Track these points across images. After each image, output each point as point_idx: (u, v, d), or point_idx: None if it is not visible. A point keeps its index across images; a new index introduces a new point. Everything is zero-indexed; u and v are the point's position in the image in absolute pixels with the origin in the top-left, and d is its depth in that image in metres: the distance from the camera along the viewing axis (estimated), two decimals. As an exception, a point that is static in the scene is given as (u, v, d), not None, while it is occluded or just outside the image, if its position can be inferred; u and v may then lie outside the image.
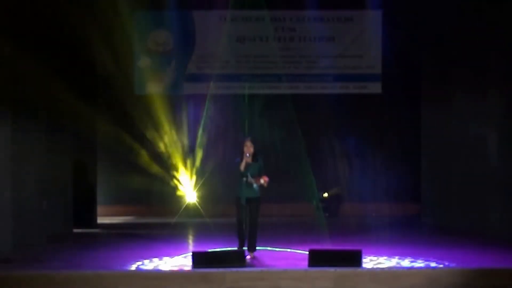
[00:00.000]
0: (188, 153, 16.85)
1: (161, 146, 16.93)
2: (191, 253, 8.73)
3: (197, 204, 16.54)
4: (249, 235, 9.56)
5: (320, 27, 16.99)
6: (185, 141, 16.88)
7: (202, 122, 16.59)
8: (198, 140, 16.67)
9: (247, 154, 9.44)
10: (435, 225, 13.95)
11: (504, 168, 11.89)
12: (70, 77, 12.97)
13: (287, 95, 16.38)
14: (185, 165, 16.86)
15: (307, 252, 8.61)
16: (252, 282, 7.96)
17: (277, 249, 10.44)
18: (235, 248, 9.45)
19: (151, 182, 16.83)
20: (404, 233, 13.21)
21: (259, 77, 16.94)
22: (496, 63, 12.12)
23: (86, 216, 14.13)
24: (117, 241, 12.20)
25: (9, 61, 10.28)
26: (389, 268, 8.58)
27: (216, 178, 16.13)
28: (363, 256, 8.54)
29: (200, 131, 16.61)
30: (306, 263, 8.55)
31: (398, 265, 8.88)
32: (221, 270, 8.03)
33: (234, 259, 8.42)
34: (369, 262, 9.07)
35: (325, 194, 16.36)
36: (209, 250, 9.33)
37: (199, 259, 8.37)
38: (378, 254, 9.74)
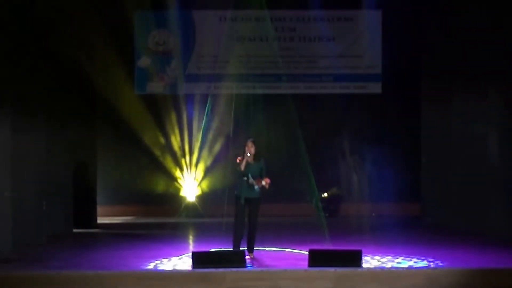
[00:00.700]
0: (188, 153, 16.85)
1: (161, 146, 16.94)
2: (191, 253, 8.72)
3: (196, 204, 16.55)
4: (249, 236, 9.56)
5: (320, 27, 16.98)
6: (185, 141, 16.88)
7: (203, 122, 16.59)
8: (198, 140, 16.67)
9: (248, 154, 9.44)
10: (435, 225, 13.95)
11: (504, 168, 11.89)
12: (70, 77, 13.00)
13: (287, 95, 16.38)
14: (185, 165, 16.87)
15: (307, 252, 8.61)
16: (252, 282, 7.97)
17: (277, 249, 10.43)
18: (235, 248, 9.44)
19: (151, 182, 16.84)
20: (404, 233, 13.20)
21: (259, 77, 16.94)
22: (496, 63, 12.11)
23: (86, 216, 14.12)
24: (117, 241, 12.20)
25: (9, 61, 10.28)
26: (389, 268, 8.58)
27: (216, 178, 16.15)
28: (363, 256, 8.54)
29: (200, 131, 16.61)
30: (306, 263, 8.55)
31: (398, 265, 8.88)
32: (221, 270, 8.03)
33: (234, 259, 8.42)
34: (369, 262, 9.07)
35: (325, 194, 16.35)
36: (211, 250, 9.33)
37: (199, 259, 8.37)
38: (378, 254, 9.74)
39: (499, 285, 7.95)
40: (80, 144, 13.79)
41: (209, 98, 16.54)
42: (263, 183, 9.44)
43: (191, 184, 16.79)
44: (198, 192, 16.77)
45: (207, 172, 16.80)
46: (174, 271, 8.40)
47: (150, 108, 16.86)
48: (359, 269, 8.19)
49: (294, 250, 10.24)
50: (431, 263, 8.93)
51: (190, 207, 16.43)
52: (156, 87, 17.01)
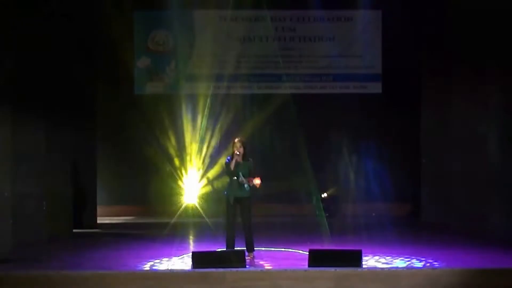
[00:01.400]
0: (188, 153, 16.85)
1: (161, 146, 16.93)
2: (191, 253, 8.72)
3: (197, 204, 16.54)
4: (245, 236, 9.55)
5: (320, 27, 16.99)
6: (185, 141, 16.88)
7: (202, 122, 16.59)
8: (198, 140, 16.67)
9: (237, 153, 9.45)
10: (435, 225, 13.94)
11: (504, 168, 11.88)
12: (70, 77, 12.99)
13: (287, 95, 16.38)
14: (185, 165, 16.86)
15: (307, 252, 8.61)
16: (252, 282, 7.96)
17: (277, 249, 10.43)
18: (236, 249, 9.44)
19: (151, 182, 16.82)
20: (403, 233, 13.21)
21: (259, 77, 16.94)
22: (496, 63, 12.11)
23: (86, 216, 14.13)
24: (117, 241, 12.20)
25: (9, 61, 10.28)
26: (389, 268, 8.58)
27: (217, 177, 16.14)
28: (363, 256, 8.54)
29: (200, 131, 16.62)
30: (306, 263, 8.55)
31: (398, 265, 8.87)
32: (221, 270, 8.03)
33: (234, 259, 8.42)
34: (369, 262, 9.07)
35: (324, 194, 16.35)
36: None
37: (199, 259, 8.37)
38: (378, 254, 9.74)
39: (499, 285, 7.95)
40: (80, 144, 13.78)
41: (208, 98, 16.55)
42: (257, 181, 9.43)
43: (191, 184, 16.79)
44: (198, 192, 16.77)
45: (207, 172, 16.80)
46: (174, 271, 8.40)
47: (150, 108, 16.86)
48: (359, 269, 8.18)
49: (294, 250, 10.24)
50: (431, 263, 8.92)
51: (190, 207, 16.43)
52: (156, 87, 17.02)
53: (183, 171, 16.83)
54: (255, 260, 9.39)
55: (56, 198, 12.42)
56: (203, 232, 13.73)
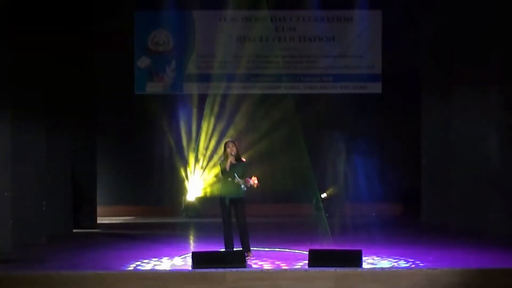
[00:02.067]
0: (188, 153, 16.85)
1: (161, 146, 16.94)
2: (191, 253, 8.72)
3: (197, 204, 16.53)
4: (241, 236, 9.55)
5: (320, 27, 17.00)
6: (185, 141, 16.88)
7: (202, 122, 16.59)
8: (198, 140, 16.67)
9: (232, 153, 9.46)
10: (435, 225, 13.93)
11: (504, 168, 11.88)
12: (70, 77, 12.99)
13: (287, 95, 16.38)
14: (185, 165, 16.86)
15: (307, 252, 8.61)
16: (252, 282, 7.96)
17: (277, 250, 10.43)
18: (236, 249, 9.44)
19: (151, 182, 16.83)
20: (403, 233, 13.21)
21: (259, 77, 16.94)
22: (496, 63, 12.11)
23: (86, 216, 14.12)
24: (117, 241, 12.20)
25: (9, 61, 10.28)
26: (389, 268, 8.58)
27: (217, 177, 16.13)
28: (363, 256, 8.54)
29: (200, 131, 16.62)
30: (306, 263, 8.55)
31: (398, 265, 8.87)
32: (221, 270, 8.03)
33: (234, 259, 8.42)
34: (369, 262, 9.07)
35: (324, 195, 16.35)
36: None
37: (199, 259, 8.37)
38: (378, 254, 9.73)
39: (499, 285, 7.95)
40: (80, 144, 13.78)
41: (208, 98, 16.56)
42: (251, 182, 9.41)
43: (191, 184, 16.78)
44: (198, 192, 16.76)
45: (207, 172, 16.80)
46: (174, 271, 8.40)
47: (150, 108, 16.87)
48: (359, 269, 8.18)
49: (294, 251, 10.24)
50: (431, 263, 8.91)
51: (190, 207, 16.42)
52: (156, 87, 17.02)
53: (183, 171, 16.83)
54: (252, 260, 9.38)
55: (56, 198, 12.42)
56: (203, 232, 13.73)
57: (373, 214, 16.47)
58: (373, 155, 16.61)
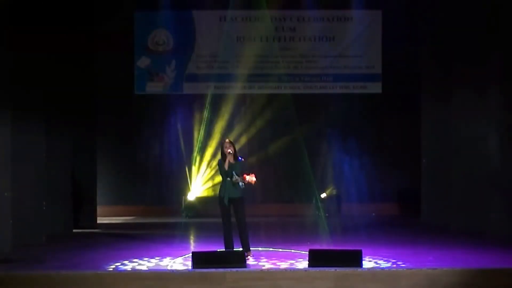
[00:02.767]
0: (188, 153, 16.85)
1: (161, 146, 16.94)
2: (191, 253, 8.72)
3: (197, 204, 16.54)
4: (240, 236, 9.55)
5: (320, 27, 17.01)
6: (185, 141, 16.88)
7: (202, 122, 16.60)
8: (199, 140, 16.68)
9: (230, 151, 9.47)
10: (435, 225, 13.93)
11: (504, 168, 11.88)
12: (70, 77, 12.99)
13: (287, 95, 16.39)
14: (185, 165, 16.86)
15: (307, 252, 8.61)
16: (252, 282, 7.96)
17: (277, 250, 10.43)
18: (236, 249, 9.44)
19: (151, 182, 16.84)
20: (403, 233, 13.21)
21: (259, 77, 16.95)
22: (496, 63, 12.11)
23: (86, 216, 14.13)
24: (117, 241, 12.20)
25: (9, 61, 10.28)
26: (389, 268, 8.57)
27: (217, 177, 16.13)
28: (363, 256, 8.54)
29: (200, 131, 16.62)
30: (306, 263, 8.55)
31: (398, 265, 8.87)
32: (221, 270, 8.03)
33: (234, 259, 8.42)
34: (369, 262, 9.07)
35: (324, 195, 16.36)
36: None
37: (199, 259, 8.37)
38: (377, 254, 9.73)
39: (499, 285, 7.95)
40: (80, 144, 13.78)
41: (208, 98, 16.56)
42: (248, 178, 9.41)
43: (191, 184, 16.79)
44: (198, 192, 16.77)
45: (207, 172, 16.80)
46: (174, 271, 8.40)
47: (150, 108, 16.88)
48: (359, 269, 8.18)
49: (294, 251, 10.24)
50: (431, 263, 8.91)
51: (190, 207, 16.42)
52: (156, 87, 17.03)
53: (183, 171, 16.83)
54: (252, 260, 9.38)
55: (56, 198, 12.42)
56: (203, 232, 13.74)
57: (373, 214, 16.48)
58: (373, 155, 16.64)
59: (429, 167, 14.92)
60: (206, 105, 16.56)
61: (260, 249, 10.25)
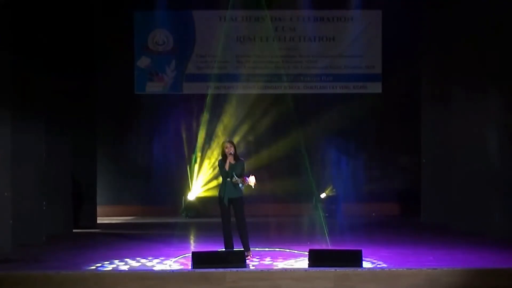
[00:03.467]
0: (188, 153, 16.85)
1: (161, 146, 16.93)
2: (191, 253, 8.72)
3: (197, 204, 16.53)
4: (240, 236, 9.56)
5: (320, 27, 17.00)
6: (185, 141, 16.88)
7: (202, 122, 16.60)
8: (199, 140, 16.68)
9: (231, 152, 9.47)
10: (435, 225, 13.94)
11: (504, 168, 11.88)
12: (70, 77, 12.99)
13: (287, 95, 16.38)
14: (185, 164, 16.86)
15: (307, 252, 8.61)
16: (252, 282, 7.96)
17: (277, 249, 10.43)
18: (236, 249, 9.44)
19: (151, 182, 16.83)
20: (403, 233, 13.21)
21: (259, 77, 16.94)
22: (496, 63, 12.11)
23: (86, 216, 14.12)
24: (117, 241, 12.20)
25: (9, 62, 10.28)
26: (389, 268, 8.57)
27: (217, 178, 16.13)
28: (363, 256, 8.54)
29: (200, 131, 16.62)
30: (306, 263, 8.55)
31: (398, 265, 8.87)
32: (221, 270, 8.03)
33: (234, 259, 8.42)
34: (369, 262, 9.07)
35: (323, 195, 16.36)
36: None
37: (199, 259, 8.37)
38: (377, 254, 9.73)
39: (499, 285, 7.94)
40: (80, 144, 13.77)
41: (208, 98, 16.55)
42: (248, 180, 9.41)
43: (191, 184, 16.78)
44: (198, 192, 16.76)
45: (208, 172, 16.80)
46: (174, 271, 8.40)
47: (150, 108, 16.87)
48: (359, 269, 8.18)
49: (294, 251, 10.24)
50: (431, 263, 8.92)
51: (190, 207, 16.42)
52: (155, 87, 17.03)
53: (183, 171, 16.82)
54: (251, 260, 9.38)
55: (56, 198, 12.42)
56: (203, 232, 13.73)
57: (373, 214, 16.48)
58: (373, 155, 16.64)
59: (429, 167, 14.93)
60: (206, 105, 16.56)
61: (260, 249, 10.25)
